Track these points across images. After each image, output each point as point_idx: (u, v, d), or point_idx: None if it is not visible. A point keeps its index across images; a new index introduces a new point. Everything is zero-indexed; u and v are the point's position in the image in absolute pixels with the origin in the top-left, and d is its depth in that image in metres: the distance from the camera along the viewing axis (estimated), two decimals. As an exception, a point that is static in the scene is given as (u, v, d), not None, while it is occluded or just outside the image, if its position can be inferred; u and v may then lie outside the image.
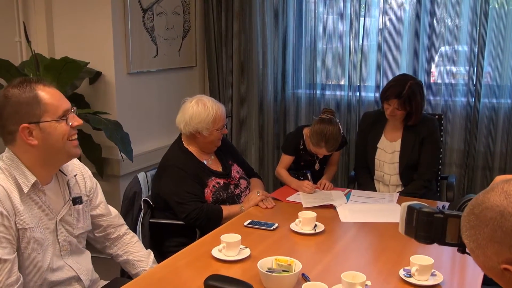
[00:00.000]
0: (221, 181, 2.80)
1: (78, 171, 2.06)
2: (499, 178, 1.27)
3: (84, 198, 2.05)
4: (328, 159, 3.28)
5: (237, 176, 2.91)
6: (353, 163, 3.76)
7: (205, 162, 2.81)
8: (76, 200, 2.00)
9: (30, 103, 1.77)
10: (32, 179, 1.81)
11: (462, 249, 1.32)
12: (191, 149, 2.81)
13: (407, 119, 3.09)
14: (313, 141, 2.98)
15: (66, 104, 1.86)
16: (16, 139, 1.80)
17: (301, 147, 3.21)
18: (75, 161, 2.08)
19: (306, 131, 3.17)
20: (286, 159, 3.24)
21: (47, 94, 1.80)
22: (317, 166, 3.25)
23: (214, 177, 2.78)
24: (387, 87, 3.08)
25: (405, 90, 2.98)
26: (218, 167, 2.87)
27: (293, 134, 3.32)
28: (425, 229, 1.42)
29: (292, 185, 3.10)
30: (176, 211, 2.67)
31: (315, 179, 3.19)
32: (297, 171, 3.28)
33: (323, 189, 3.06)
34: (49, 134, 1.81)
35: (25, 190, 1.79)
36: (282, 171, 3.22)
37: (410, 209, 1.47)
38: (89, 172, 2.14)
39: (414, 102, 3.00)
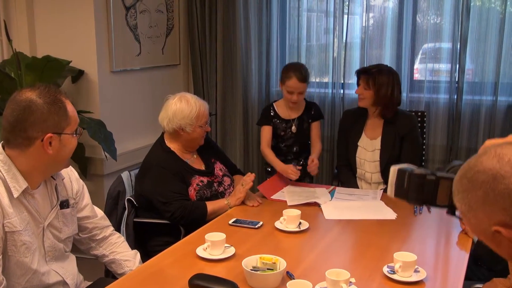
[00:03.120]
0: (205, 179, 2.79)
1: (66, 174, 2.05)
2: (489, 142, 1.27)
3: (71, 202, 2.04)
4: (308, 134, 3.41)
5: (220, 173, 2.91)
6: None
7: (187, 161, 2.81)
8: (64, 204, 1.99)
9: (59, 114, 1.78)
10: (24, 184, 1.80)
11: (451, 211, 1.33)
12: (174, 148, 2.81)
13: (384, 112, 3.13)
14: (285, 77, 3.24)
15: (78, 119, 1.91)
16: (31, 145, 1.77)
17: (272, 113, 3.39)
18: None
19: (275, 103, 3.45)
20: (265, 132, 3.39)
21: (71, 107, 1.84)
22: (293, 129, 3.37)
23: (197, 175, 2.78)
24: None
25: (374, 69, 3.12)
26: (201, 166, 2.86)
27: (264, 107, 3.61)
28: (417, 190, 1.42)
29: (277, 167, 3.20)
30: (160, 210, 2.66)
31: (300, 175, 3.26)
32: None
33: (312, 165, 3.14)
34: (64, 146, 1.83)
35: (15, 195, 1.78)
36: (266, 150, 3.35)
37: (400, 172, 1.47)
38: (76, 174, 2.13)
39: (379, 80, 3.06)
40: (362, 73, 3.15)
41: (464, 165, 1.16)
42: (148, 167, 2.75)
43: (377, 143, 3.16)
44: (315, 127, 3.43)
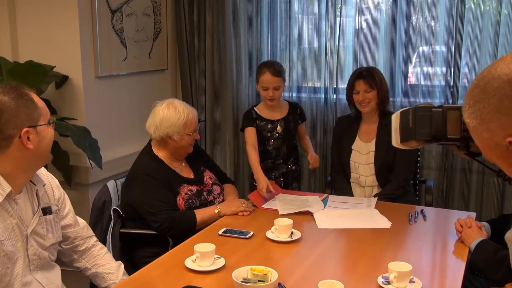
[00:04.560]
0: (194, 188, 2.79)
1: (46, 180, 2.05)
2: None
3: (54, 208, 2.03)
4: (295, 135, 3.44)
5: (210, 182, 2.91)
6: (330, 168, 3.79)
7: (176, 169, 2.81)
8: (46, 210, 1.99)
9: (28, 106, 1.79)
10: (7, 188, 1.80)
11: (464, 144, 1.26)
12: (162, 156, 2.81)
13: (385, 106, 3.19)
14: (258, 74, 3.29)
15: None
16: (11, 145, 1.78)
17: (254, 115, 3.37)
18: (43, 170, 2.07)
19: (256, 106, 3.45)
20: (249, 133, 3.34)
21: (37, 98, 1.85)
22: (279, 129, 3.36)
23: (186, 184, 2.78)
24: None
25: (364, 70, 3.19)
26: (189, 174, 2.86)
27: (244, 112, 3.53)
28: (425, 125, 1.35)
29: (255, 174, 3.12)
30: (148, 221, 2.66)
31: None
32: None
33: (313, 159, 3.21)
34: (43, 138, 1.85)
35: (0, 199, 1.77)
36: (250, 150, 3.24)
37: (403, 112, 1.39)
38: (57, 182, 2.13)
39: (377, 76, 3.16)
40: (357, 78, 3.18)
41: (478, 75, 1.09)
42: (135, 175, 2.75)
43: (372, 145, 3.20)
44: (301, 128, 3.50)
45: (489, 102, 1.03)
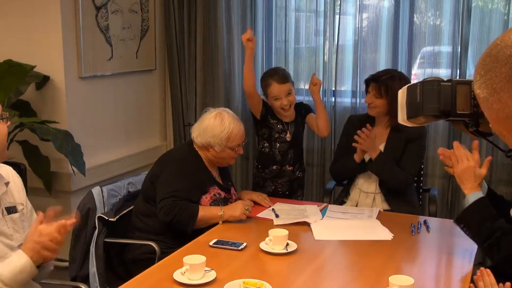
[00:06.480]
0: (222, 194, 2.90)
1: (11, 179, 2.04)
2: None
3: (20, 208, 2.02)
4: (301, 140, 3.53)
5: (234, 198, 3.01)
6: (329, 175, 3.81)
7: (211, 172, 2.92)
8: (11, 210, 1.98)
9: None
10: None
11: (474, 121, 1.27)
12: (201, 154, 2.91)
13: (393, 118, 3.17)
14: (265, 87, 3.34)
15: None
16: None
17: (269, 110, 3.43)
18: (8, 168, 2.06)
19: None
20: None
21: None
22: (288, 137, 3.41)
23: (217, 187, 2.89)
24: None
25: (385, 76, 3.15)
26: (221, 181, 2.97)
27: None
28: (433, 99, 1.35)
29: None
30: (156, 200, 2.74)
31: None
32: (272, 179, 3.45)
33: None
34: None
35: None
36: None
37: (411, 87, 1.40)
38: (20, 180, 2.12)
39: (391, 89, 3.07)
40: (372, 80, 3.19)
41: (490, 45, 1.09)
42: (173, 158, 2.89)
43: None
44: (312, 118, 3.49)
45: (501, 70, 1.03)
